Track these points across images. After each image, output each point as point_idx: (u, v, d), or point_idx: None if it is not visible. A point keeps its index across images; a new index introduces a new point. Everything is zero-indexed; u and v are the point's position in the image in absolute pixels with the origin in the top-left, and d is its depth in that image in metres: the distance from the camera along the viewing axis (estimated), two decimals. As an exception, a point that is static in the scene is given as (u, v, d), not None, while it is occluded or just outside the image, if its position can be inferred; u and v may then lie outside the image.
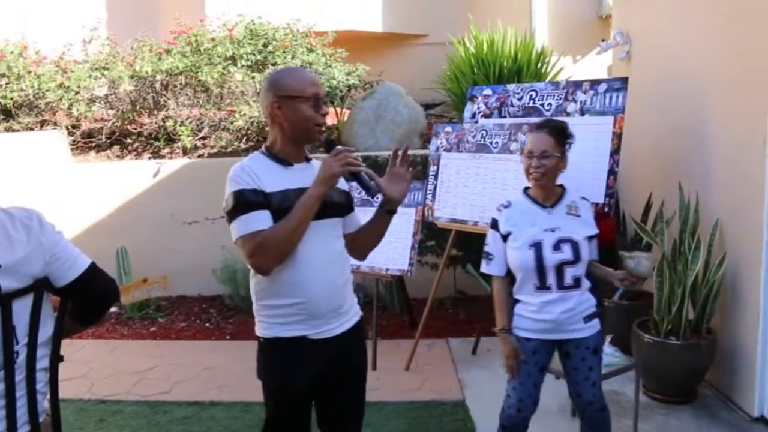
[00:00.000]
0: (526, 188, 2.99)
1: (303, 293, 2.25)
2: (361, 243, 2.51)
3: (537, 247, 2.85)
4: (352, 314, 2.43)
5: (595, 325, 2.93)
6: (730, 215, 4.02)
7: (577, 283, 2.87)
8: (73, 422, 4.00)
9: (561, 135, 2.90)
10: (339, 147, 2.29)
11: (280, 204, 2.21)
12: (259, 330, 2.35)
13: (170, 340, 5.53)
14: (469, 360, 4.89)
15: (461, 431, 3.85)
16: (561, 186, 2.98)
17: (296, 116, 2.26)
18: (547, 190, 2.92)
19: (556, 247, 2.84)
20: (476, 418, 3.98)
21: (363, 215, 2.56)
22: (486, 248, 3.02)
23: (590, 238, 2.91)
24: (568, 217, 2.89)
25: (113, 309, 6.10)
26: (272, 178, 2.25)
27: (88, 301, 2.15)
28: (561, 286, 2.86)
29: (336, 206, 2.36)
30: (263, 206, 2.19)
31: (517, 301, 2.97)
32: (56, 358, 2.08)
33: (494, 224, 2.99)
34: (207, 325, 5.83)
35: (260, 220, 2.18)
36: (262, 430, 2.41)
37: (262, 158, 2.32)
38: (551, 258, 2.83)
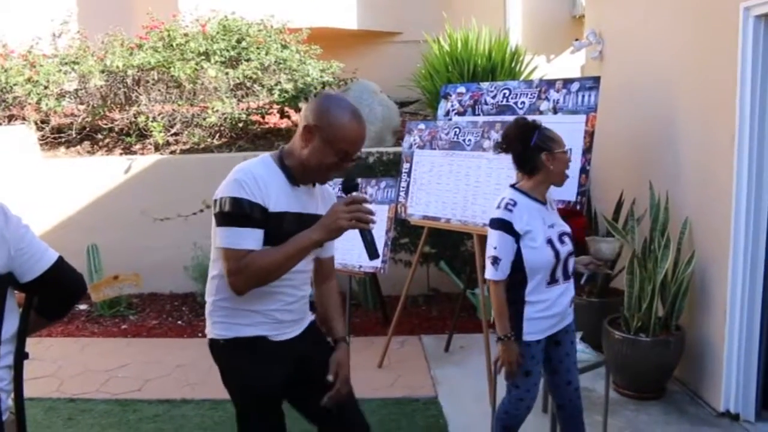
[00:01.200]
0: (514, 185, 2.92)
1: (275, 302, 2.27)
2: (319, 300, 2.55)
3: (551, 243, 2.86)
4: (306, 318, 2.46)
5: (573, 308, 3.05)
6: (699, 214, 4.08)
7: (572, 271, 2.98)
8: (41, 421, 3.95)
9: None
10: (355, 194, 2.18)
11: (276, 225, 2.16)
12: (216, 331, 2.29)
13: (141, 337, 5.48)
14: (442, 357, 4.91)
15: (434, 428, 3.86)
16: None
17: (318, 156, 2.17)
18: (547, 188, 2.96)
19: (561, 240, 2.90)
20: (449, 414, 4.00)
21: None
22: (494, 252, 2.83)
23: None
24: (553, 212, 2.98)
25: (83, 306, 6.03)
26: (279, 196, 2.18)
27: (54, 295, 2.13)
28: (566, 277, 2.94)
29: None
30: (259, 224, 2.13)
31: (522, 304, 2.86)
32: (21, 356, 2.05)
33: (506, 225, 2.80)
34: (179, 322, 5.78)
35: (251, 238, 2.11)
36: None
37: (275, 169, 2.22)
38: (563, 251, 2.89)
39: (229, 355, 2.31)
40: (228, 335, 2.27)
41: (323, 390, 2.35)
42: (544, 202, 2.92)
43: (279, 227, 2.15)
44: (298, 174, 2.24)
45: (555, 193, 3.17)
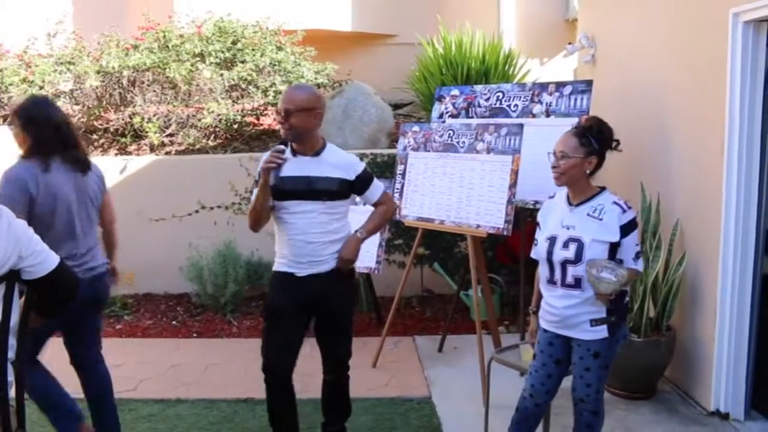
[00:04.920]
0: None
1: (290, 247, 3.21)
2: None
3: (551, 241, 2.95)
4: (325, 264, 3.22)
5: (601, 331, 2.90)
6: (690, 216, 4.12)
7: (578, 284, 2.89)
8: (36, 420, 3.94)
9: (586, 136, 2.92)
10: (275, 147, 3.09)
11: (281, 185, 3.12)
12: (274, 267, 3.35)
13: (136, 338, 5.49)
14: (436, 357, 4.94)
15: (427, 427, 3.89)
16: (601, 188, 2.99)
17: (278, 121, 3.18)
18: (574, 189, 2.97)
19: (565, 244, 2.90)
20: (442, 414, 4.03)
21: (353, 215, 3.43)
22: (536, 234, 3.15)
23: (609, 244, 2.86)
24: (588, 219, 2.90)
25: (78, 306, 6.03)
26: (287, 166, 3.10)
27: (50, 296, 2.16)
28: (563, 283, 2.93)
29: (319, 193, 3.14)
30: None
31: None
32: (23, 348, 2.08)
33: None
34: (173, 323, 5.79)
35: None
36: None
37: (288, 150, 3.16)
38: (558, 254, 2.92)
39: (270, 281, 3.40)
40: (274, 268, 3.34)
41: (334, 323, 3.36)
42: (571, 203, 2.96)
43: (278, 186, 3.12)
44: (297, 147, 3.20)
45: (548, 194, 3.20)
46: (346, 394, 3.56)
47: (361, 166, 3.30)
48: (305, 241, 3.18)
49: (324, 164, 3.19)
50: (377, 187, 3.37)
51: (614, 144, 3.01)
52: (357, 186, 3.28)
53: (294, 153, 3.18)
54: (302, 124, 3.11)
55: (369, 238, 3.36)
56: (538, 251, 3.03)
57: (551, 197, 3.14)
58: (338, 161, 3.24)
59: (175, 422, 3.98)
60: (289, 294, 3.26)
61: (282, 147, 3.08)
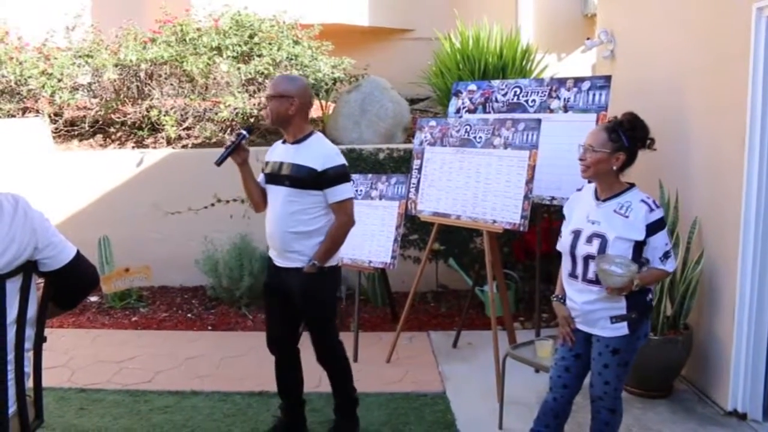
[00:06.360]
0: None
1: (267, 230, 3.42)
2: None
3: (576, 235, 2.93)
4: (294, 260, 3.35)
5: (621, 327, 2.87)
6: (708, 213, 4.08)
7: (598, 280, 2.84)
8: (53, 410, 3.99)
9: (616, 131, 2.88)
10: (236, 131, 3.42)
11: (264, 169, 3.48)
12: None
13: (152, 330, 5.52)
14: (450, 353, 4.93)
15: (441, 422, 3.88)
16: (630, 184, 2.95)
17: None
18: (602, 184, 2.93)
19: (589, 239, 2.87)
20: (456, 409, 4.02)
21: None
22: (562, 226, 3.12)
23: (635, 242, 2.81)
24: (613, 215, 2.86)
25: (94, 298, 6.08)
26: (274, 152, 3.48)
27: (68, 287, 2.18)
28: (584, 278, 2.91)
29: (282, 177, 3.32)
30: (263, 171, 3.50)
31: None
32: (40, 339, 2.10)
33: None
34: (189, 315, 5.82)
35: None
36: None
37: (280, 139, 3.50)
38: (581, 248, 2.89)
39: None
40: None
41: (307, 319, 3.51)
42: (598, 198, 2.93)
43: (265, 169, 3.47)
44: (285, 135, 3.42)
45: (565, 190, 3.17)
46: (339, 381, 3.60)
47: (335, 162, 3.28)
48: (276, 226, 3.35)
49: (301, 152, 3.31)
50: (341, 191, 3.31)
51: (648, 142, 2.97)
52: (322, 179, 3.25)
53: (283, 140, 3.44)
54: (277, 110, 3.29)
55: (326, 262, 3.35)
56: (563, 244, 3.00)
57: (579, 190, 3.11)
58: (315, 151, 3.31)
59: (191, 414, 3.99)
60: (270, 278, 3.53)
61: (243, 132, 3.34)
